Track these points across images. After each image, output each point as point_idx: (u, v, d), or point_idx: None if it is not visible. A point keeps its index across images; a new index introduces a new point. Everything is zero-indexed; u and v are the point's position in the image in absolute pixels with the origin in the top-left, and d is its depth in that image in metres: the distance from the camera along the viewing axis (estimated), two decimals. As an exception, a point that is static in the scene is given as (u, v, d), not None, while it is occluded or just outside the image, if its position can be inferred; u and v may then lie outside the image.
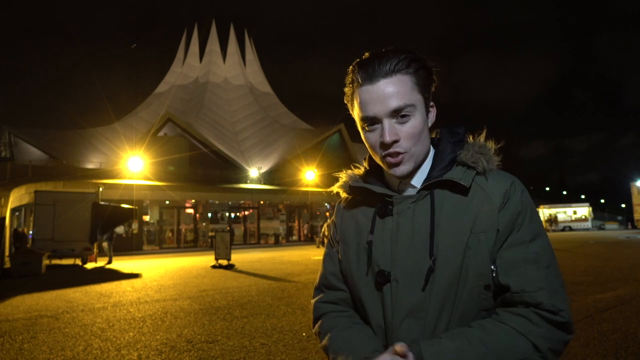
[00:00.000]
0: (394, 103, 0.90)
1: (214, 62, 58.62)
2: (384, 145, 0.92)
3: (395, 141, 0.92)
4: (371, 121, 0.93)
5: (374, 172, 1.07)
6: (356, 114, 0.97)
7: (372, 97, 0.91)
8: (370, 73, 0.92)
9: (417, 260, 0.92)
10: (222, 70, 58.32)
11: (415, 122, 0.92)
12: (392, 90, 0.90)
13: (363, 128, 0.97)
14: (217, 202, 32.96)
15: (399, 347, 0.82)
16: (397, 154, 0.92)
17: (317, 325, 1.08)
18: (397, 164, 0.93)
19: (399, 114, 0.91)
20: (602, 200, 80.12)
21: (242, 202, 33.58)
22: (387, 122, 0.91)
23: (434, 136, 1.04)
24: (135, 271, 13.13)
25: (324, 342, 1.01)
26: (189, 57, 59.64)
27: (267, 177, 39.19)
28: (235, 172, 38.57)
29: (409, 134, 0.92)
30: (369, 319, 0.98)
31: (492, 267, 0.90)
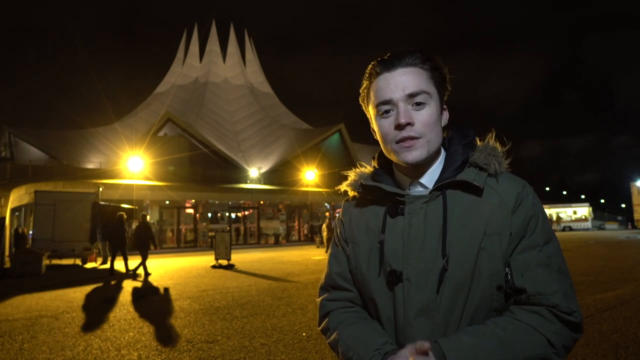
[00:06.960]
0: (411, 88, 0.93)
1: (214, 62, 58.60)
2: (399, 127, 0.93)
3: (410, 124, 0.92)
4: (386, 107, 0.95)
5: (384, 171, 1.06)
6: (371, 103, 0.98)
7: (389, 83, 0.94)
8: (389, 65, 0.95)
9: (429, 259, 0.93)
10: (222, 70, 58.29)
11: (430, 111, 0.94)
12: (409, 77, 0.94)
13: (377, 116, 0.97)
14: (217, 202, 32.91)
15: (421, 344, 0.81)
16: (411, 138, 0.93)
17: (324, 322, 1.07)
18: (409, 149, 0.93)
19: (414, 99, 0.93)
20: (602, 200, 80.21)
21: (242, 202, 33.55)
22: (402, 105, 0.93)
23: (444, 136, 1.04)
24: (135, 271, 13.10)
25: (333, 336, 1.01)
26: (189, 57, 59.61)
27: (267, 177, 39.18)
28: (235, 172, 38.56)
29: (424, 121, 0.93)
30: (380, 317, 0.98)
31: (507, 269, 0.91)
